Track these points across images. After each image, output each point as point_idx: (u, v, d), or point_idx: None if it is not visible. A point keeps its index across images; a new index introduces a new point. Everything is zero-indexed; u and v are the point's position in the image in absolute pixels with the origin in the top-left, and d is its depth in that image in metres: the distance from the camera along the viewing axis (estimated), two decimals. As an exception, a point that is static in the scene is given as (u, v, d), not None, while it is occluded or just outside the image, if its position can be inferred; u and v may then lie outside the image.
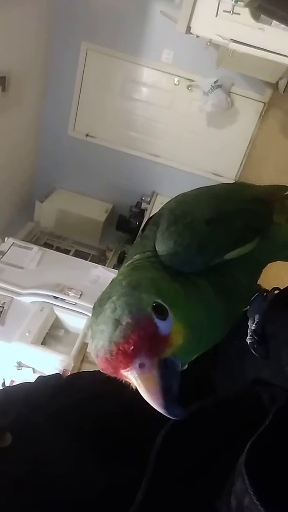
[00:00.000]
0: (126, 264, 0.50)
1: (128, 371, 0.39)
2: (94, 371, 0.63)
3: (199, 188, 0.60)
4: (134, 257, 0.51)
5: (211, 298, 0.47)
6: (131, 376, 0.39)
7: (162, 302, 0.40)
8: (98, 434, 0.50)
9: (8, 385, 1.97)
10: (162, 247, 0.49)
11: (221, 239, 0.50)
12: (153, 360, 0.39)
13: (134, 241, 0.60)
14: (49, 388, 0.60)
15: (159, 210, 0.58)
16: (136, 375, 0.38)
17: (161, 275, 0.45)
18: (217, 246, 0.50)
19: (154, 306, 0.40)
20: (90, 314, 2.08)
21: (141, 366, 0.38)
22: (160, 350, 0.39)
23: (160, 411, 0.38)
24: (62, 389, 0.61)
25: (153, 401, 0.38)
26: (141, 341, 0.38)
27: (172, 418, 0.39)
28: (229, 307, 0.50)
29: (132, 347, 0.37)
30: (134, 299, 0.40)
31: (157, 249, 0.49)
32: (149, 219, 0.57)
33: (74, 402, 0.56)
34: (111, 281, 0.46)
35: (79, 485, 0.43)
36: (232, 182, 0.66)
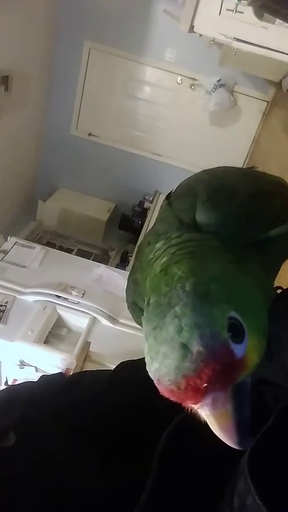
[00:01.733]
0: (173, 242, 0.42)
1: (198, 406, 0.33)
2: (97, 370, 0.63)
3: (224, 166, 0.58)
4: (181, 235, 0.43)
5: (262, 283, 0.42)
6: (201, 412, 0.34)
7: (237, 317, 0.34)
8: (100, 434, 0.50)
9: (10, 383, 1.97)
10: (206, 218, 0.44)
11: (265, 213, 0.47)
12: (227, 392, 0.33)
13: (161, 215, 0.53)
14: (52, 387, 0.60)
15: (184, 185, 0.54)
16: (208, 412, 0.33)
17: (226, 266, 0.38)
18: (263, 220, 0.46)
19: (229, 326, 0.33)
20: (92, 313, 2.05)
21: (214, 401, 0.33)
22: (235, 378, 0.34)
23: (233, 447, 0.34)
24: (64, 388, 0.61)
25: (227, 439, 0.34)
26: (216, 375, 0.31)
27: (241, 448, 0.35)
28: (270, 289, 0.47)
29: (205, 383, 0.31)
30: (205, 318, 0.32)
31: (198, 220, 0.45)
32: (169, 195, 0.54)
33: (76, 401, 0.56)
34: (165, 271, 0.37)
35: (81, 485, 0.43)
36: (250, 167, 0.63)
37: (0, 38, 3.01)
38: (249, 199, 0.46)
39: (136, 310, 0.54)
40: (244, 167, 4.34)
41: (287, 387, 0.48)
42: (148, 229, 4.00)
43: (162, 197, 4.50)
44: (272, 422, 0.41)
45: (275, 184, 0.56)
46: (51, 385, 0.62)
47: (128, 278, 0.56)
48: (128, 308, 0.56)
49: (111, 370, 0.64)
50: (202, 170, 0.56)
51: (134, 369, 0.61)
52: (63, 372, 1.77)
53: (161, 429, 0.43)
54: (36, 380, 0.65)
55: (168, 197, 0.54)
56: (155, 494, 0.39)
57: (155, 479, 0.40)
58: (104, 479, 0.44)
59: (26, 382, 0.64)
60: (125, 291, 0.57)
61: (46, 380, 0.64)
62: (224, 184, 0.49)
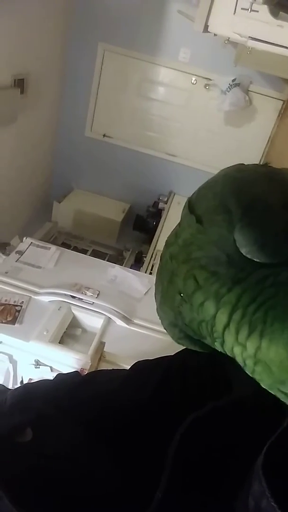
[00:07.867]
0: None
1: None
2: (112, 369, 0.64)
3: (245, 167, 0.55)
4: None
5: None
6: None
7: None
8: (114, 430, 0.50)
9: (26, 383, 1.99)
10: (245, 237, 0.43)
11: None
12: None
13: (193, 236, 0.49)
14: (67, 385, 0.61)
15: (210, 197, 0.51)
16: None
17: None
18: None
19: None
20: (107, 314, 2.05)
21: None
22: None
23: None
24: (80, 385, 0.62)
25: None
26: None
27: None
28: None
29: None
30: None
31: (237, 239, 0.44)
32: (191, 206, 0.52)
33: (90, 398, 0.57)
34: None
35: (94, 481, 0.44)
36: (264, 164, 0.59)
37: (16, 42, 3.05)
38: (284, 211, 0.45)
39: (176, 332, 0.54)
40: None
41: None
42: (162, 230, 3.87)
43: (177, 198, 4.48)
44: (286, 424, 0.41)
45: None
46: (66, 382, 0.62)
47: (159, 301, 0.55)
48: (165, 328, 0.57)
49: (126, 369, 0.65)
50: (225, 174, 0.53)
51: (149, 368, 0.61)
52: (78, 371, 1.78)
53: (176, 426, 0.43)
54: (52, 379, 0.66)
55: (191, 208, 0.51)
56: (169, 492, 0.39)
57: (169, 476, 0.40)
58: (117, 475, 0.45)
59: (42, 380, 0.65)
60: (152, 300, 0.57)
61: (62, 378, 0.65)
62: (256, 195, 0.47)
